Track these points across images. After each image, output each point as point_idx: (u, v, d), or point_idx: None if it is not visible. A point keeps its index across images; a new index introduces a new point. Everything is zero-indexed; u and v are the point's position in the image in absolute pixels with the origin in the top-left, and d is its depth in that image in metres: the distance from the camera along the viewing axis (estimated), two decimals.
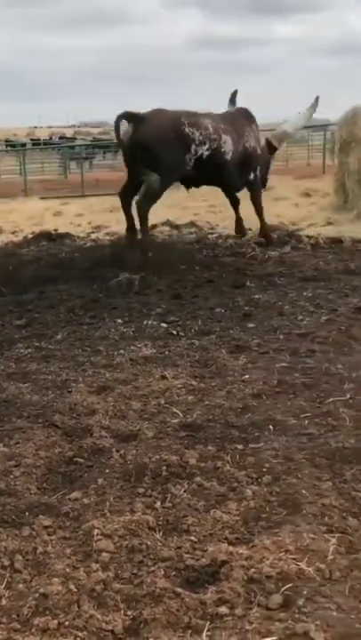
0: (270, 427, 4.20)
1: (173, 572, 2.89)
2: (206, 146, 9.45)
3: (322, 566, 2.82)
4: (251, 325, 6.47)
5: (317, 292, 7.57)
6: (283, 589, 2.70)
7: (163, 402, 4.70)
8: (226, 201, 11.56)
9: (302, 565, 2.82)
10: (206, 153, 9.48)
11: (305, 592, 2.68)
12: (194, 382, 5.04)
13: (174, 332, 6.39)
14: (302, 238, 10.94)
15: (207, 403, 4.65)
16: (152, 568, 2.91)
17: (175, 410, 4.55)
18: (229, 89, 10.99)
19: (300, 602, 2.63)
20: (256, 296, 7.56)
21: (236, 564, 2.84)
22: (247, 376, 5.09)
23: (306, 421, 4.26)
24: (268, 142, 10.86)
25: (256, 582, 2.75)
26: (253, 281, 8.29)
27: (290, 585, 2.72)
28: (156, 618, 2.61)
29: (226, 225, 12.59)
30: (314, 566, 2.82)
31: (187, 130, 9.28)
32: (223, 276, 8.64)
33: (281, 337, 6.05)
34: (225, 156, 9.79)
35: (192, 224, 12.82)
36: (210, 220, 13.31)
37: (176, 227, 12.66)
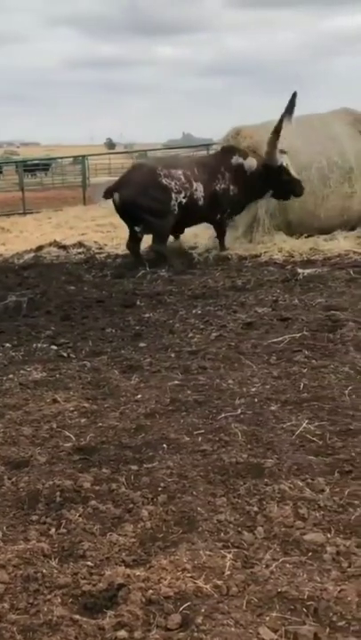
0: (164, 445, 4.22)
1: (70, 599, 2.85)
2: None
3: (219, 582, 2.85)
4: (142, 344, 6.50)
5: (207, 310, 7.68)
6: (181, 609, 2.71)
7: (55, 426, 4.64)
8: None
9: (200, 583, 2.84)
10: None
11: (203, 610, 2.70)
12: (86, 404, 5.00)
13: (65, 355, 6.34)
14: (193, 256, 11.14)
15: (100, 425, 4.63)
16: (48, 596, 2.86)
17: (68, 433, 4.51)
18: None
19: (199, 620, 2.64)
20: (146, 315, 7.61)
21: (133, 586, 2.83)
22: (140, 396, 5.10)
23: (199, 438, 4.31)
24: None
25: (154, 603, 2.75)
26: (143, 300, 8.34)
27: (188, 604, 2.73)
28: None
29: (114, 244, 12.63)
30: (211, 583, 2.84)
31: None
32: (113, 296, 8.66)
33: (172, 355, 6.09)
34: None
35: (80, 244, 12.77)
36: (97, 239, 13.32)
37: (64, 247, 12.59)
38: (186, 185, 10.84)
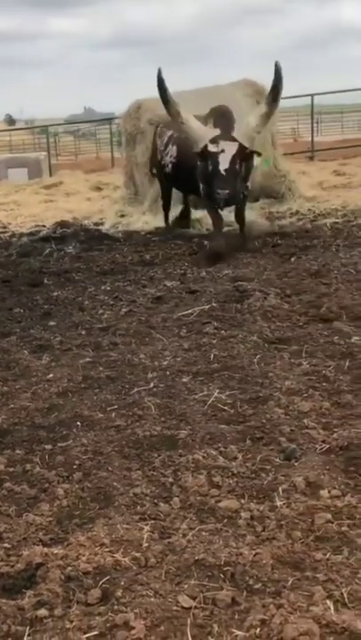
0: (78, 423, 4.21)
1: None
2: None
3: (137, 555, 2.88)
4: (52, 323, 6.43)
5: (116, 285, 7.67)
6: (101, 583, 2.73)
7: None
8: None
9: (118, 557, 2.86)
10: None
11: (122, 583, 2.72)
12: None
13: None
14: (104, 233, 11.08)
15: (12, 406, 4.57)
16: None
17: None
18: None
19: (119, 593, 2.67)
20: (55, 293, 7.53)
21: (52, 564, 2.83)
22: (51, 375, 5.06)
23: (113, 414, 4.31)
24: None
25: (74, 580, 2.76)
26: (51, 278, 8.25)
27: (107, 578, 2.76)
28: None
29: (18, 223, 12.41)
30: (130, 556, 2.87)
31: None
32: (19, 275, 8.52)
33: (83, 332, 6.06)
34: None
35: None
36: (1, 218, 13.05)
37: None
38: (162, 147, 10.37)
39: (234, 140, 7.32)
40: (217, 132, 7.79)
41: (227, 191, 7.08)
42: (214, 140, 7.35)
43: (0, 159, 23.23)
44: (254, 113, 7.38)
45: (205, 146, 7.52)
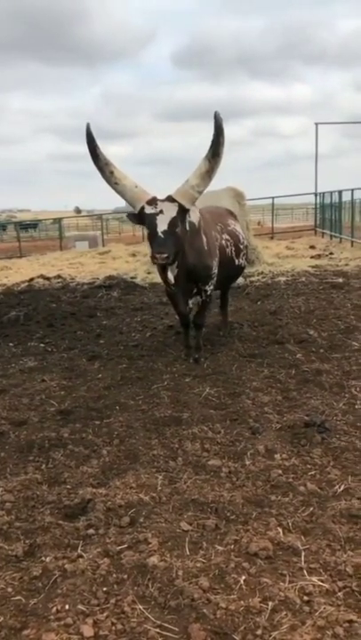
0: (117, 407, 4.20)
1: (56, 511, 2.81)
2: None
3: (154, 495, 2.86)
4: (102, 341, 6.43)
5: (144, 317, 7.66)
6: (130, 513, 2.71)
7: (44, 397, 4.55)
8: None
9: (141, 495, 2.84)
10: None
11: (144, 513, 2.70)
12: (64, 382, 4.92)
13: (49, 349, 6.22)
14: (136, 283, 11.08)
15: (74, 395, 4.57)
16: (41, 509, 2.82)
17: (52, 402, 4.43)
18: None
19: (141, 520, 2.65)
20: (104, 322, 7.53)
21: (98, 500, 2.82)
22: (100, 375, 5.05)
23: (140, 401, 4.30)
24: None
25: (112, 510, 2.74)
26: (102, 312, 8.25)
27: (134, 509, 2.74)
28: (46, 542, 2.53)
29: (82, 276, 12.46)
30: (149, 495, 2.85)
31: None
32: (81, 310, 8.53)
33: (121, 348, 6.06)
34: None
35: (58, 276, 12.55)
36: (70, 273, 13.11)
37: (47, 278, 12.35)
38: None
39: (173, 200, 4.64)
40: (152, 193, 4.78)
41: (165, 254, 4.46)
42: (152, 202, 4.66)
43: (70, 235, 23.42)
44: (195, 172, 4.65)
45: (142, 207, 4.67)
